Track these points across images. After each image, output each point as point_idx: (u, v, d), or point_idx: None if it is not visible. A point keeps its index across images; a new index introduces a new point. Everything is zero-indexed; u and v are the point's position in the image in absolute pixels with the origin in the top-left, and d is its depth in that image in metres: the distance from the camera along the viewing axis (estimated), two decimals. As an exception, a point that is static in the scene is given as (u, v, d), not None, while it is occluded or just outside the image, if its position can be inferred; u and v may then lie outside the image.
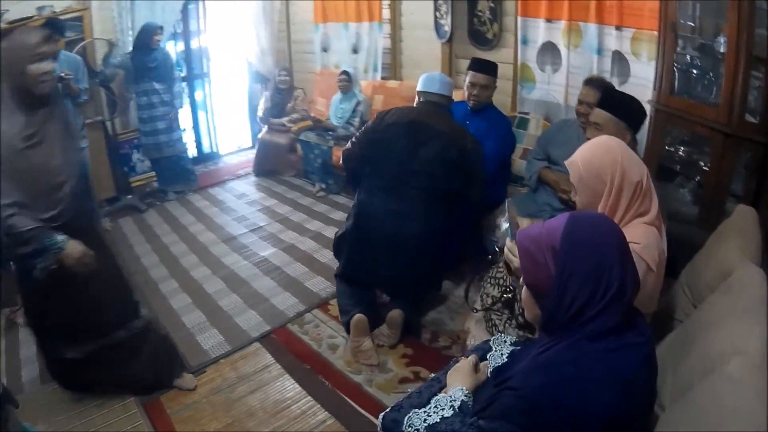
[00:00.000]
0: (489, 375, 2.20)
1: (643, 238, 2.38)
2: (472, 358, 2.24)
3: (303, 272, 5.50)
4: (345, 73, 7.39)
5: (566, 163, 2.57)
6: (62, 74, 5.68)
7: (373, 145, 4.30)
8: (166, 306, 5.14)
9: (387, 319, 4.23)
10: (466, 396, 2.02)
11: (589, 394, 1.62)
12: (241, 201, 7.64)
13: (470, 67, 4.93)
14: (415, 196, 4.13)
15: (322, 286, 5.22)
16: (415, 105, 4.45)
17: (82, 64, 6.36)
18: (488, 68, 4.85)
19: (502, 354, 2.31)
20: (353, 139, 4.50)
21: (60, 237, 3.01)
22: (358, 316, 4.16)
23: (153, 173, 8.16)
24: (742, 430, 1.50)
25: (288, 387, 3.89)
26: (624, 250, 1.73)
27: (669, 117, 4.15)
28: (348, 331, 4.25)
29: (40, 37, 2.96)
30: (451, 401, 2.02)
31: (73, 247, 3.06)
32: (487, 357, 2.34)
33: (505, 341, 2.41)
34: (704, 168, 3.98)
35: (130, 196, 7.74)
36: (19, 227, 2.89)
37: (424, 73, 4.47)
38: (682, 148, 4.24)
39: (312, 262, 5.71)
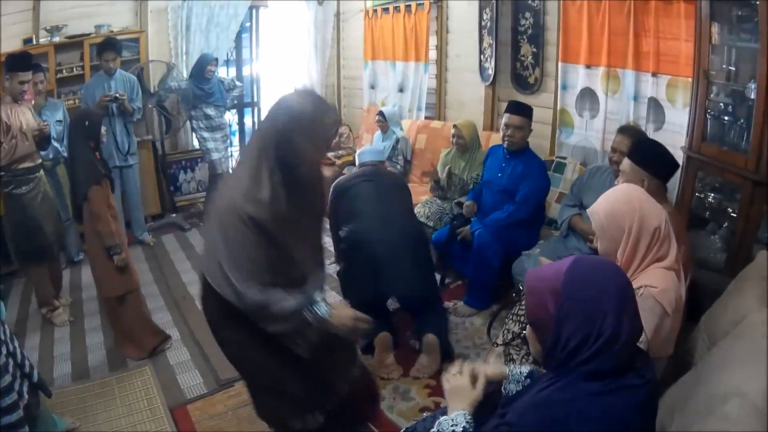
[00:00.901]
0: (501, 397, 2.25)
1: (661, 282, 2.44)
2: (466, 373, 2.27)
3: (337, 298, 5.48)
4: (380, 113, 7.45)
5: (588, 211, 2.67)
6: (117, 95, 5.91)
7: (347, 199, 4.69)
8: (201, 320, 5.11)
9: (424, 346, 4.39)
10: (467, 422, 2.05)
11: None
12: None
13: (506, 109, 5.10)
14: (394, 216, 4.52)
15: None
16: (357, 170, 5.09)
17: (137, 83, 6.67)
18: (523, 110, 4.99)
19: (519, 379, 2.35)
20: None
21: (323, 306, 2.62)
22: (383, 333, 4.37)
23: (198, 195, 8.43)
24: None
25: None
26: (623, 299, 1.74)
27: (701, 164, 4.17)
28: (366, 352, 4.46)
29: (334, 121, 2.67)
30: (452, 426, 2.05)
31: (341, 313, 2.72)
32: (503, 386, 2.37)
33: (520, 371, 2.45)
34: (733, 215, 4.00)
35: (174, 215, 7.93)
36: (285, 308, 2.53)
37: (359, 150, 5.51)
38: (713, 195, 4.25)
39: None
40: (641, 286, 2.45)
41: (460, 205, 5.65)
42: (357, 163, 5.25)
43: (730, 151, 3.94)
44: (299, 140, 2.51)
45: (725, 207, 4.14)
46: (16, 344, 3.12)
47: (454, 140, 5.97)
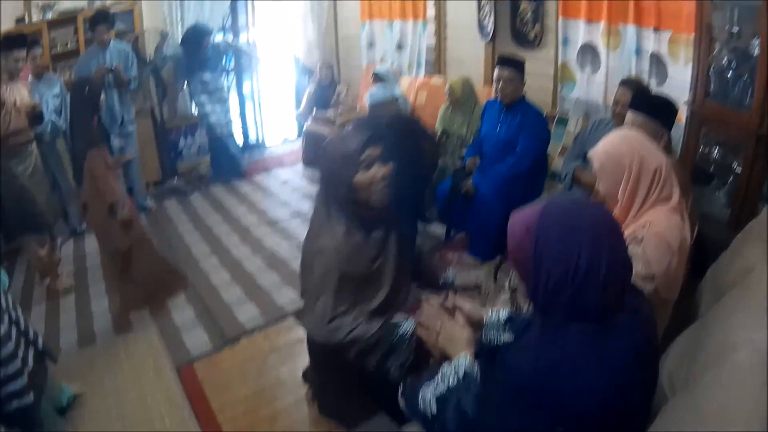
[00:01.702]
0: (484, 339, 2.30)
1: (665, 220, 2.45)
2: (460, 319, 2.29)
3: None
4: (374, 74, 7.28)
5: (589, 154, 2.65)
6: (112, 67, 5.93)
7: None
8: (205, 281, 5.35)
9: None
10: (468, 365, 2.04)
11: (578, 379, 1.63)
12: (285, 187, 7.78)
13: (496, 63, 5.12)
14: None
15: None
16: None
17: (132, 53, 6.65)
18: (512, 63, 4.99)
19: (498, 326, 2.34)
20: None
21: (406, 323, 2.54)
22: None
23: (199, 160, 8.44)
24: (744, 420, 1.47)
25: None
26: (598, 232, 1.70)
27: (704, 120, 4.16)
28: None
29: (360, 142, 2.53)
30: (455, 370, 2.04)
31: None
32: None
33: (499, 317, 2.43)
34: (737, 171, 3.99)
35: (175, 181, 7.94)
36: (363, 336, 2.49)
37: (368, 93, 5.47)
38: (717, 150, 4.23)
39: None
40: (646, 223, 2.47)
41: (460, 158, 5.68)
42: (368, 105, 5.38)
43: (734, 108, 3.92)
44: (346, 174, 2.53)
45: (729, 163, 4.11)
46: (20, 312, 3.14)
47: (447, 97, 5.96)
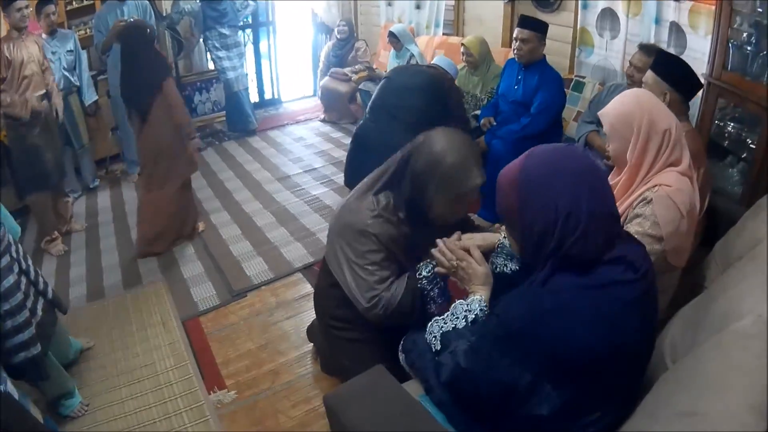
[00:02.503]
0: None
1: (675, 182, 2.42)
2: (476, 253, 2.26)
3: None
4: (391, 33, 7.25)
5: (599, 113, 2.63)
6: (132, 19, 5.88)
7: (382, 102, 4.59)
8: (215, 235, 5.40)
9: None
10: (481, 310, 2.05)
11: (568, 330, 1.62)
12: (299, 144, 7.77)
13: (517, 24, 5.05)
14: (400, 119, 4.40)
15: (369, 223, 5.31)
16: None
17: (150, 7, 6.60)
18: (530, 24, 4.92)
19: (509, 252, 2.39)
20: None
21: (424, 266, 2.57)
22: None
23: (214, 115, 8.46)
24: (745, 386, 1.47)
25: None
26: (578, 177, 1.70)
27: (721, 91, 4.08)
28: None
29: (478, 174, 2.38)
30: (466, 311, 2.06)
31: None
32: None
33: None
34: (752, 146, 3.94)
35: (195, 137, 7.93)
36: (395, 302, 2.54)
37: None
38: (732, 124, 4.18)
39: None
40: (656, 185, 2.44)
41: (475, 117, 5.62)
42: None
43: (753, 81, 3.85)
44: (433, 190, 2.40)
45: (745, 138, 4.07)
46: (30, 262, 3.14)
47: (464, 58, 5.86)
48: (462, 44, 5.85)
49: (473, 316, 2.04)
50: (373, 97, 4.67)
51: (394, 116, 4.33)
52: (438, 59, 5.83)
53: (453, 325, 2.05)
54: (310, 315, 4.03)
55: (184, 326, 4.11)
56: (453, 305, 2.14)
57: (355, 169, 4.60)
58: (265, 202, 6.03)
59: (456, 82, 5.86)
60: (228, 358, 3.79)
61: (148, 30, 4.80)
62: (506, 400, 1.72)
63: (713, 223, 3.16)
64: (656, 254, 2.36)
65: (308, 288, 4.45)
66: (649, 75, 3.25)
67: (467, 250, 2.26)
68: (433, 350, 2.10)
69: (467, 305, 2.08)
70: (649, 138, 2.46)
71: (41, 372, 3.00)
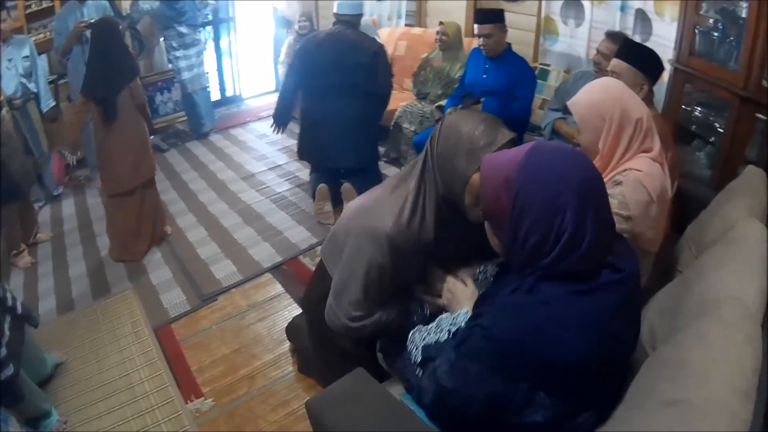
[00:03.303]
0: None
1: (645, 167, 2.41)
2: (466, 273, 2.25)
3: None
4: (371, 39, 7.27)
5: (568, 103, 2.58)
6: (92, 20, 5.79)
7: (308, 58, 5.11)
8: (182, 238, 5.33)
9: (342, 194, 5.29)
10: (466, 324, 1.97)
11: (561, 339, 1.56)
12: (262, 141, 7.70)
13: (474, 19, 5.04)
14: (345, 93, 5.00)
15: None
16: (334, 27, 5.17)
17: (110, 8, 6.50)
18: (489, 17, 4.89)
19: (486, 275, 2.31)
20: (291, 61, 5.55)
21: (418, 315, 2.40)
22: (321, 185, 5.35)
23: (175, 115, 8.25)
24: (729, 373, 1.48)
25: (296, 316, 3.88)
26: (586, 193, 1.56)
27: (688, 77, 4.12)
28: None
29: (495, 139, 2.12)
30: (450, 325, 2.02)
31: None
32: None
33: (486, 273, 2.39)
34: (720, 130, 3.97)
35: (152, 137, 7.82)
36: (379, 327, 2.42)
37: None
38: (700, 109, 4.21)
39: (328, 198, 5.76)
40: (626, 170, 2.44)
41: (440, 108, 5.62)
42: (334, 12, 5.28)
43: (719, 67, 3.89)
44: (464, 165, 2.12)
45: (712, 122, 4.10)
46: None
47: (438, 37, 5.91)
48: (440, 23, 5.90)
49: (456, 329, 1.99)
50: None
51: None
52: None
53: (436, 338, 2.01)
54: (281, 316, 4.05)
55: (156, 334, 4.05)
56: (438, 318, 2.09)
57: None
58: (231, 202, 5.97)
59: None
60: (203, 364, 3.74)
61: (120, 26, 4.80)
62: (500, 413, 1.67)
63: (682, 207, 3.17)
64: (626, 233, 2.36)
65: (278, 288, 4.44)
66: (622, 66, 3.22)
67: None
68: (413, 360, 2.04)
69: (453, 319, 2.04)
70: (622, 128, 2.45)
71: (16, 393, 2.91)
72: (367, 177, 5.18)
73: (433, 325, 2.07)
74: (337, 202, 5.38)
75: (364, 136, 5.26)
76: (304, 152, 5.47)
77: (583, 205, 1.54)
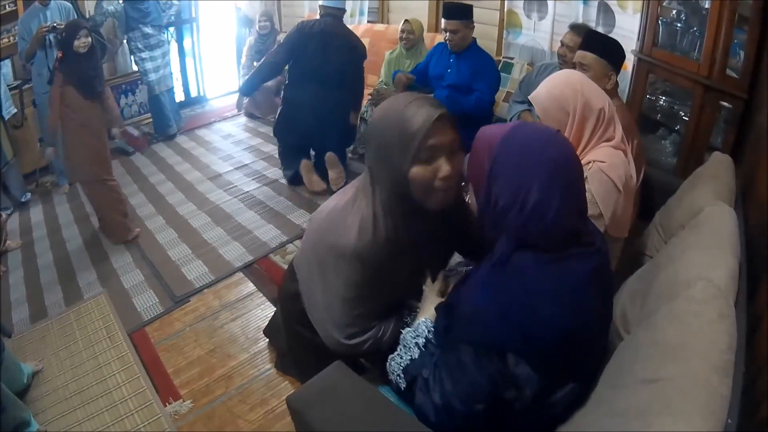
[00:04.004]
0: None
1: (609, 158, 2.46)
2: (436, 283, 2.25)
3: (286, 206, 5.62)
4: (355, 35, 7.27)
5: (530, 97, 2.62)
6: (55, 24, 5.75)
7: (299, 45, 5.45)
8: (152, 241, 5.28)
9: (327, 163, 5.72)
10: (429, 330, 2.02)
11: (537, 308, 1.62)
12: (228, 141, 7.65)
13: (442, 14, 5.08)
14: (330, 80, 5.43)
15: (304, 218, 5.33)
16: (320, 17, 5.56)
17: (73, 10, 6.43)
18: (456, 14, 4.92)
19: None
20: (279, 47, 5.79)
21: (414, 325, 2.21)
22: (304, 161, 5.80)
23: (140, 117, 8.25)
24: (705, 349, 1.51)
25: (269, 314, 3.90)
26: (555, 170, 1.64)
27: (651, 67, 4.19)
28: (293, 183, 5.99)
29: (427, 120, 1.93)
30: (415, 338, 2.02)
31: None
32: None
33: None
34: (684, 118, 4.04)
35: (117, 140, 7.78)
36: (376, 343, 2.30)
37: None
38: (664, 98, 4.30)
39: (295, 196, 5.82)
40: (589, 162, 2.47)
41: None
42: (321, 5, 5.62)
43: (682, 57, 3.97)
44: (399, 152, 1.97)
45: (677, 111, 4.19)
46: None
47: (404, 35, 5.93)
48: (405, 21, 5.92)
49: (423, 340, 2.00)
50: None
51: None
52: None
53: (409, 357, 1.99)
54: (254, 315, 4.06)
55: (131, 338, 4.02)
56: (402, 336, 2.08)
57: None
58: (199, 202, 5.93)
59: (384, 65, 6.28)
60: (179, 367, 3.72)
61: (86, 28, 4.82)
62: (499, 392, 1.69)
63: (650, 195, 3.22)
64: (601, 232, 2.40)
65: (250, 287, 4.43)
66: (589, 57, 3.24)
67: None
68: (402, 389, 2.00)
69: (413, 331, 2.05)
70: (585, 119, 2.49)
71: None
72: (340, 145, 5.86)
73: (400, 346, 2.06)
74: (323, 175, 5.81)
75: (344, 122, 5.73)
76: (280, 131, 5.94)
77: (553, 179, 1.63)
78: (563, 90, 2.50)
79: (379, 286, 2.24)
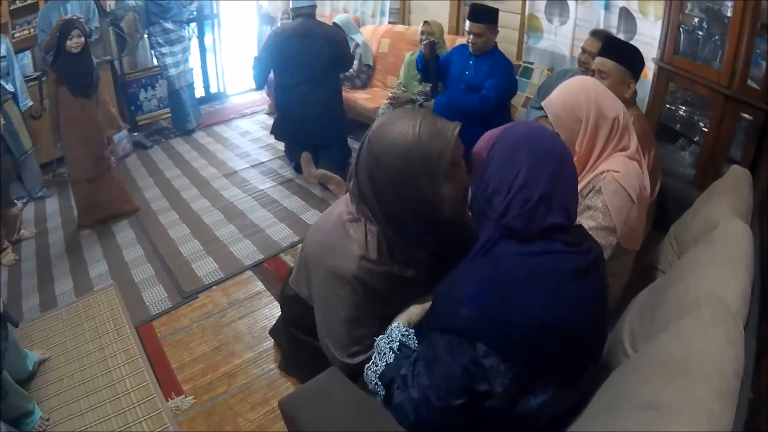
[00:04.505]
0: None
1: (623, 167, 2.39)
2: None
3: (299, 205, 5.61)
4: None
5: (543, 103, 2.56)
6: (75, 17, 5.75)
7: (276, 52, 5.69)
8: (164, 235, 5.30)
9: (321, 178, 5.84)
10: (403, 335, 1.99)
11: (510, 294, 1.61)
12: (245, 138, 7.66)
13: (467, 15, 4.95)
14: (312, 78, 5.66)
15: (317, 218, 5.26)
16: (293, 20, 5.80)
17: (93, 4, 6.49)
18: (483, 16, 4.84)
19: None
20: (258, 54, 6.07)
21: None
22: (304, 153, 6.00)
23: (159, 112, 8.27)
24: (709, 374, 1.46)
25: (276, 313, 3.85)
26: (544, 160, 1.67)
27: (672, 75, 4.11)
28: (299, 170, 6.18)
29: (450, 137, 1.89)
30: (389, 344, 1.99)
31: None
32: None
33: None
34: (704, 129, 3.96)
35: (136, 134, 7.80)
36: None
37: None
38: (684, 108, 4.22)
39: (309, 196, 5.80)
40: (603, 171, 2.42)
41: (424, 95, 5.80)
42: (291, 8, 5.94)
43: (703, 66, 3.89)
44: (413, 187, 1.93)
45: (696, 121, 4.11)
46: None
47: (424, 37, 5.79)
48: (425, 23, 5.83)
49: (397, 344, 1.97)
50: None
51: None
52: (337, 18, 6.83)
53: (384, 363, 1.96)
54: (262, 314, 4.05)
55: (137, 332, 4.03)
56: (375, 343, 2.04)
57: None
58: (213, 199, 5.94)
59: (404, 66, 6.34)
60: (183, 362, 3.72)
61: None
62: (473, 383, 1.65)
63: (665, 206, 3.18)
64: (612, 246, 2.37)
65: (259, 286, 4.42)
66: (609, 64, 3.14)
67: None
68: (380, 397, 1.97)
69: (387, 337, 2.02)
70: (598, 127, 2.43)
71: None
72: (337, 149, 6.07)
73: (374, 354, 2.02)
74: (318, 166, 5.94)
75: (329, 116, 5.88)
76: (279, 134, 6.34)
77: (540, 168, 1.68)
78: (576, 97, 2.45)
79: (381, 308, 2.19)
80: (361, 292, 2.11)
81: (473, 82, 4.96)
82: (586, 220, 2.37)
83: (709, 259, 2.07)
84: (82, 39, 4.70)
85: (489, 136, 1.82)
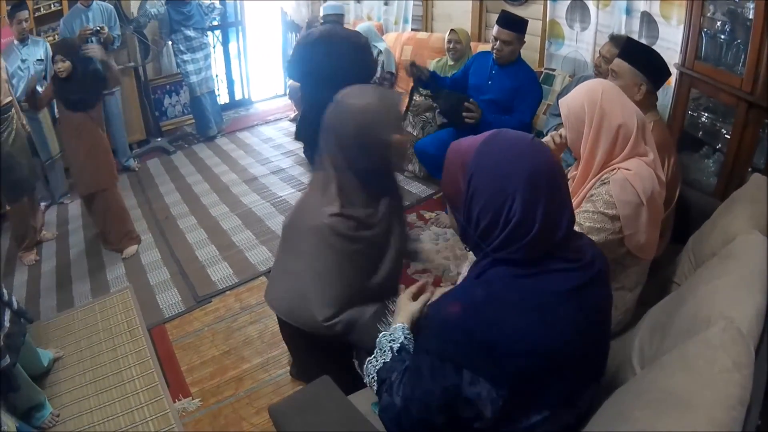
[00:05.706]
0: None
1: (636, 167, 2.36)
2: (411, 288, 2.17)
3: None
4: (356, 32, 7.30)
5: (560, 102, 2.57)
6: (98, 28, 5.84)
7: (306, 57, 5.28)
8: (182, 240, 5.36)
9: None
10: (405, 336, 1.97)
11: (499, 319, 1.53)
12: (267, 144, 7.71)
13: (497, 21, 4.82)
14: (338, 83, 4.79)
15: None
16: (323, 25, 5.58)
17: (115, 12, 6.55)
18: (513, 24, 4.73)
19: None
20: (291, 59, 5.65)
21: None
22: None
23: (183, 118, 8.38)
24: (711, 403, 1.39)
25: None
26: (537, 181, 1.54)
27: (694, 81, 4.01)
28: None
29: (396, 97, 2.36)
30: (390, 342, 1.97)
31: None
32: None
33: None
34: (727, 136, 3.85)
35: (159, 139, 7.87)
36: (358, 325, 2.39)
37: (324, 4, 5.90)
38: (706, 115, 4.12)
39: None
40: (615, 168, 2.41)
41: (444, 114, 5.55)
42: (321, 15, 5.88)
43: (726, 71, 3.77)
44: (368, 127, 2.28)
45: (719, 128, 4.00)
46: None
47: (451, 45, 5.84)
48: (451, 30, 5.84)
49: (398, 345, 1.94)
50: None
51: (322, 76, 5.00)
52: (360, 26, 6.67)
53: (383, 360, 1.95)
54: (273, 320, 3.99)
55: (150, 333, 4.09)
56: (378, 340, 2.03)
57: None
58: (232, 205, 5.99)
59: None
60: (193, 365, 3.76)
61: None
62: (455, 406, 1.61)
63: (685, 217, 3.12)
64: (608, 233, 2.34)
65: (272, 291, 4.42)
66: (622, 65, 3.11)
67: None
68: (375, 391, 1.95)
69: (390, 335, 1.99)
70: (600, 131, 2.41)
71: (12, 383, 2.99)
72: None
73: (376, 349, 2.02)
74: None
75: None
76: (301, 135, 5.84)
77: (533, 193, 1.53)
78: (582, 100, 2.44)
79: (351, 270, 2.37)
80: (332, 243, 2.30)
81: (496, 96, 4.84)
82: (585, 203, 2.39)
83: (724, 275, 2.00)
84: (67, 64, 4.56)
85: (458, 162, 1.67)
